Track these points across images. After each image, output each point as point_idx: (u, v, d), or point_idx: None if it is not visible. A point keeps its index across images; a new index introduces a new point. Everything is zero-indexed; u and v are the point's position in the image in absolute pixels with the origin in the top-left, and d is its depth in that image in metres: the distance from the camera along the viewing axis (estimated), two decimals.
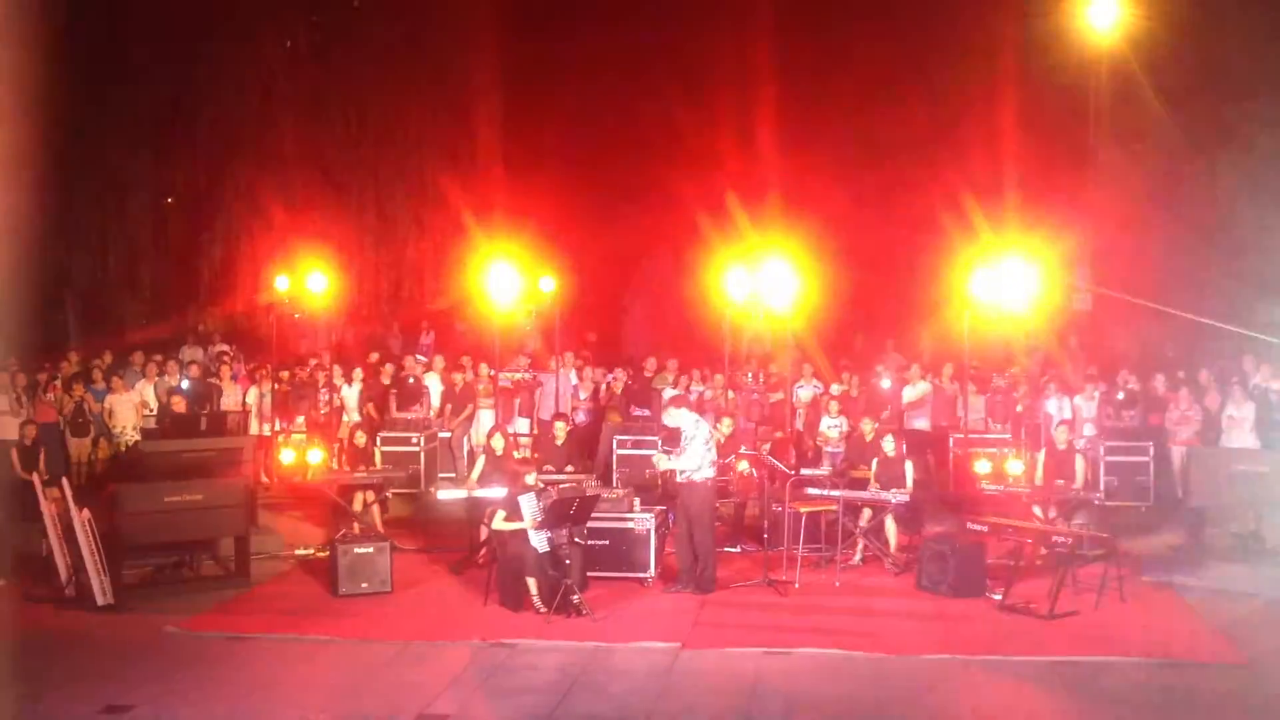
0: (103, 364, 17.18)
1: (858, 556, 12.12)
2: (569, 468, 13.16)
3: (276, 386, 15.85)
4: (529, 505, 10.21)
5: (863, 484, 12.26)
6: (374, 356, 17.51)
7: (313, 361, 16.85)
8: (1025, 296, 13.70)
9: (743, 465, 12.70)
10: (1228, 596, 10.67)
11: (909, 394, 16.02)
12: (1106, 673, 8.60)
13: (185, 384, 16.40)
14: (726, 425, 13.25)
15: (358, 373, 16.78)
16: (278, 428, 15.55)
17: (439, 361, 17.57)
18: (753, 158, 22.71)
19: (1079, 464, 12.18)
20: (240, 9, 21.18)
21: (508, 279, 14.69)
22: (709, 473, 10.88)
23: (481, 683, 8.39)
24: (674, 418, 11.14)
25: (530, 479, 10.61)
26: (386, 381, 16.74)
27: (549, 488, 10.70)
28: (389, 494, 13.37)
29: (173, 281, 22.90)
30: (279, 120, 21.35)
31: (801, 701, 8.01)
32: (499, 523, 10.44)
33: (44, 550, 10.82)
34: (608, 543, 11.13)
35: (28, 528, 11.76)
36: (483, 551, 11.56)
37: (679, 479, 10.88)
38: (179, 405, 14.34)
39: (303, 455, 13.98)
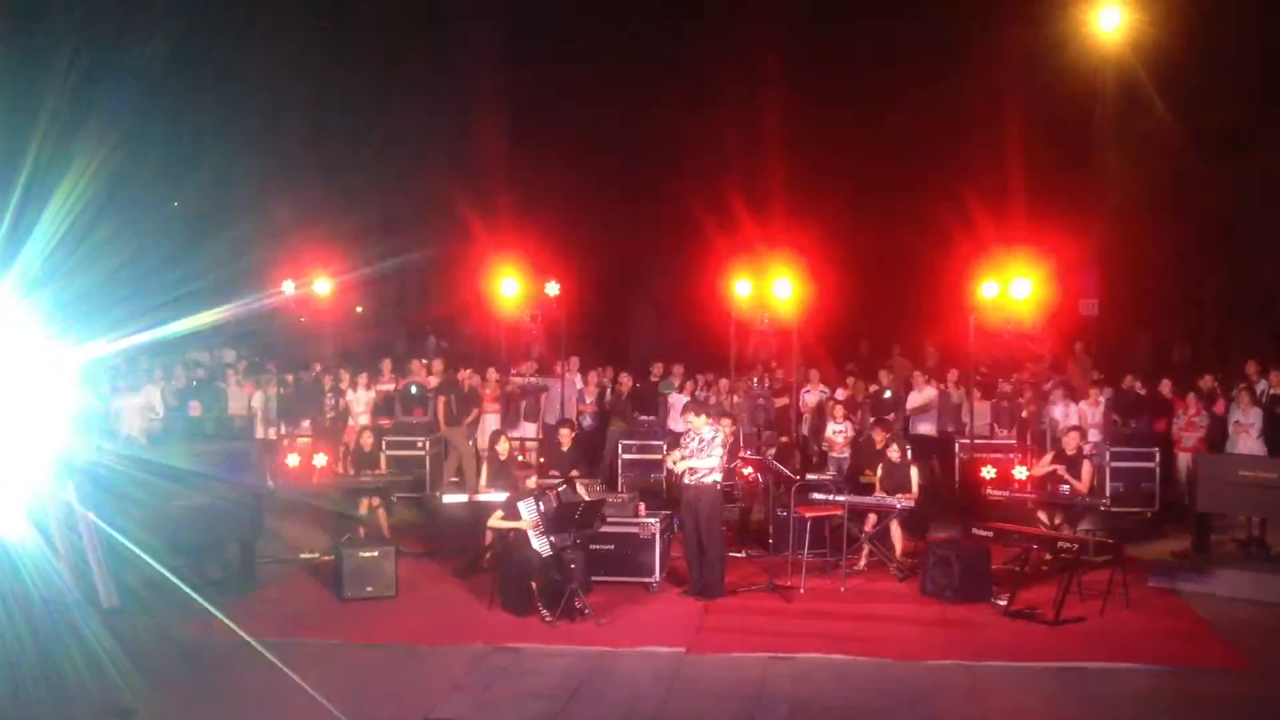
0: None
1: (863, 562, 12.11)
2: (574, 472, 13.15)
3: (282, 390, 15.87)
4: (528, 509, 10.23)
5: (868, 489, 12.24)
6: (385, 363, 17.50)
7: (318, 366, 16.87)
8: (1031, 301, 13.71)
9: (748, 470, 12.71)
10: (1233, 603, 10.65)
11: (914, 399, 16.00)
12: (1112, 679, 8.59)
13: (195, 384, 16.45)
14: (725, 426, 13.26)
15: (363, 377, 16.81)
16: (283, 432, 15.57)
17: (441, 365, 17.56)
18: (758, 162, 22.72)
19: (1085, 470, 12.15)
20: (247, 11, 21.24)
21: (513, 283, 14.73)
22: (718, 476, 10.90)
23: (486, 687, 8.39)
24: (690, 423, 11.20)
25: (530, 483, 10.62)
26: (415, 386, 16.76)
27: (547, 492, 10.70)
28: (394, 498, 13.38)
29: (178, 285, 22.96)
30: (285, 124, 21.41)
31: (806, 707, 8.00)
32: (495, 520, 10.48)
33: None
34: (613, 547, 11.13)
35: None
36: (487, 556, 11.57)
37: (689, 480, 10.88)
38: (195, 410, 14.33)
39: (308, 459, 14.01)
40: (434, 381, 16.74)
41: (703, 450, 10.84)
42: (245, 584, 11.34)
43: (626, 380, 17.27)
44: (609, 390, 17.27)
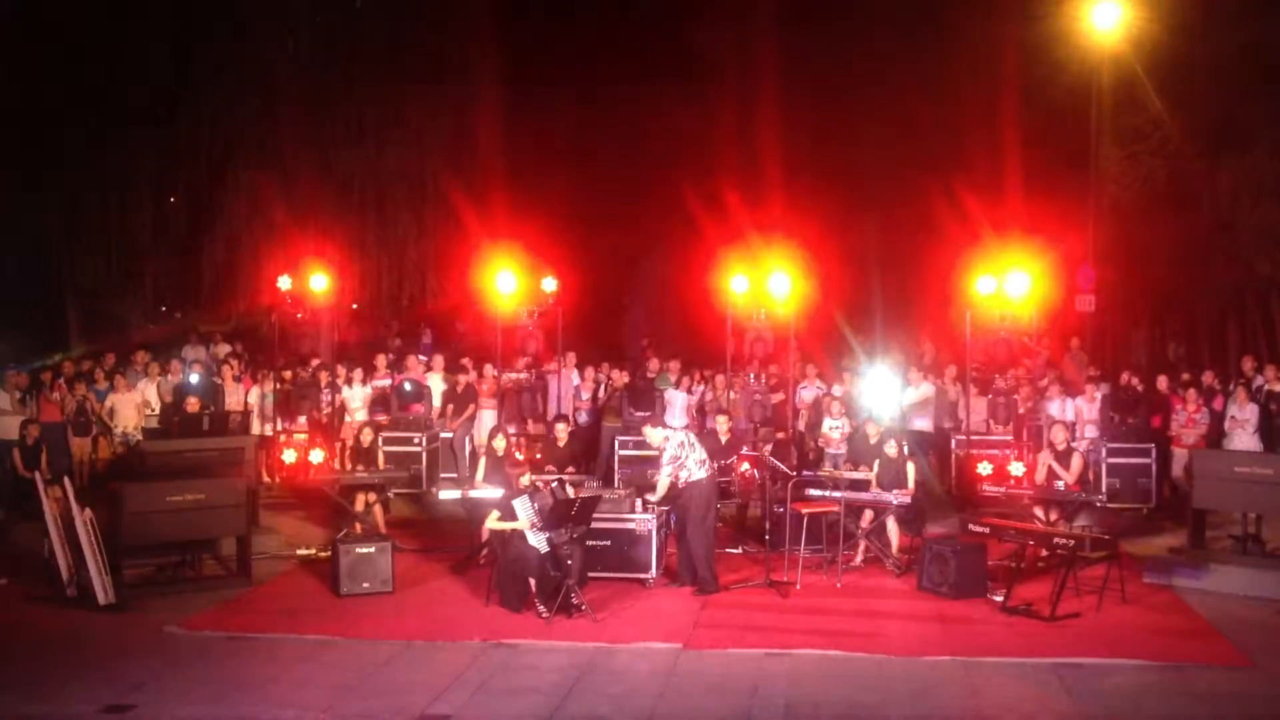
0: (105, 364, 17.19)
1: (859, 558, 12.13)
2: (570, 468, 13.16)
3: (279, 386, 15.84)
4: (523, 507, 10.22)
5: (864, 485, 12.25)
6: (380, 359, 17.46)
7: (315, 362, 16.83)
8: (1027, 297, 13.73)
9: (744, 466, 12.71)
10: (1229, 599, 10.69)
11: (911, 395, 15.99)
12: (1108, 675, 8.60)
13: (195, 378, 16.42)
14: (723, 423, 13.26)
15: (358, 373, 16.79)
16: (280, 428, 15.55)
17: (439, 362, 17.56)
18: (754, 158, 22.71)
19: (1074, 462, 12.16)
20: (242, 8, 21.18)
21: (509, 279, 14.71)
22: (700, 474, 10.91)
23: (482, 683, 8.39)
24: (648, 437, 11.48)
25: (525, 480, 10.61)
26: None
27: (543, 489, 10.70)
28: (391, 494, 13.38)
29: (175, 281, 22.93)
30: (281, 119, 21.35)
31: (803, 703, 8.00)
32: (492, 521, 10.50)
33: (46, 550, 10.83)
34: (609, 543, 11.14)
35: (29, 527, 11.77)
36: (484, 552, 11.58)
37: (678, 484, 10.97)
38: (193, 406, 14.28)
39: (304, 455, 14.00)
40: (431, 378, 16.74)
41: (658, 463, 11.10)
42: (241, 580, 11.33)
43: (619, 376, 17.25)
44: (604, 386, 17.25)
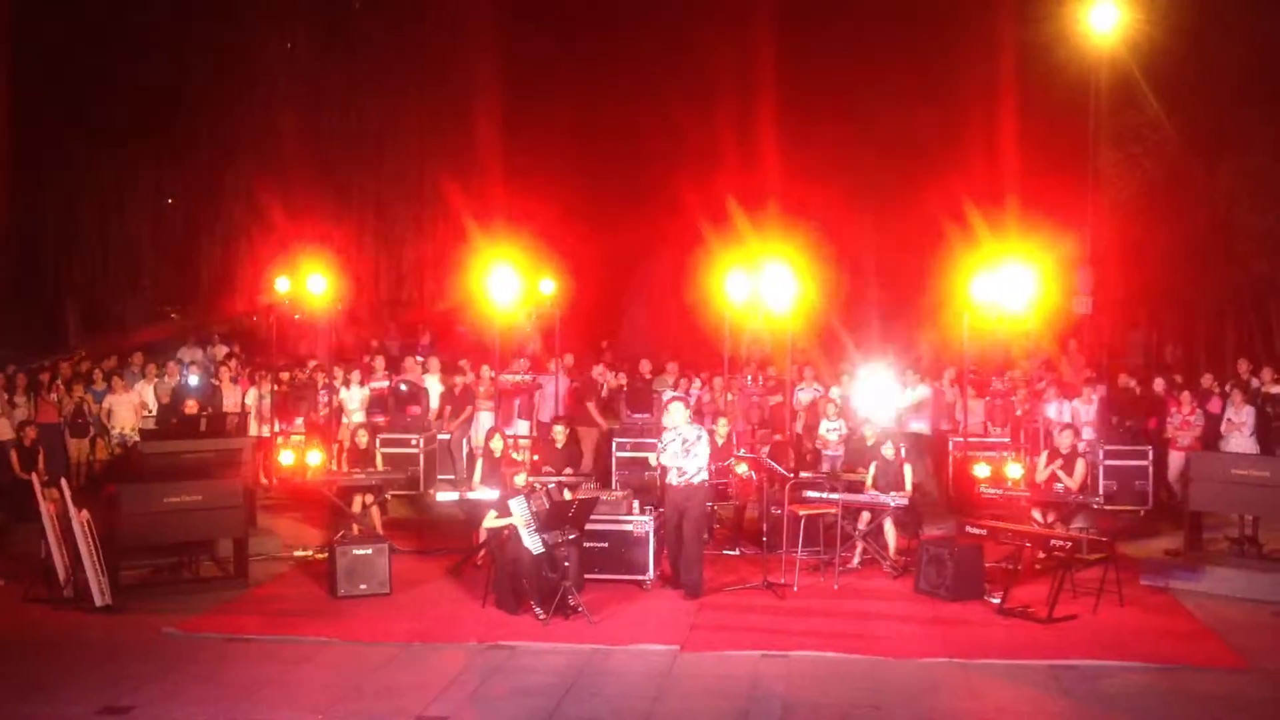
0: (104, 365, 17.20)
1: (856, 560, 12.12)
2: (568, 470, 13.16)
3: (276, 388, 15.85)
4: (519, 508, 10.22)
5: (862, 487, 12.25)
6: (379, 360, 17.46)
7: (312, 363, 16.84)
8: (1024, 300, 13.72)
9: (741, 468, 12.70)
10: (1226, 601, 10.69)
11: (908, 397, 16.00)
12: (1105, 677, 8.60)
13: (194, 380, 16.41)
14: (723, 426, 13.23)
15: (356, 374, 16.80)
16: (277, 429, 15.56)
17: (435, 363, 17.57)
18: (753, 160, 22.73)
19: (1079, 468, 12.16)
20: (241, 9, 21.21)
21: (508, 281, 14.70)
22: (705, 476, 10.91)
23: (479, 685, 8.39)
24: (673, 415, 11.05)
25: (519, 480, 10.60)
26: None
27: (540, 489, 10.69)
28: (388, 496, 13.38)
29: (173, 282, 22.96)
30: (280, 121, 21.38)
31: (799, 704, 8.00)
32: (490, 521, 10.50)
33: (43, 551, 10.81)
34: (606, 545, 11.12)
35: (26, 528, 11.76)
36: (481, 553, 11.57)
37: (677, 481, 10.86)
38: (191, 408, 14.28)
39: (302, 457, 14.00)
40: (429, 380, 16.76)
41: (688, 452, 10.82)
42: (238, 581, 11.32)
43: (614, 378, 17.25)
44: (603, 388, 17.26)
